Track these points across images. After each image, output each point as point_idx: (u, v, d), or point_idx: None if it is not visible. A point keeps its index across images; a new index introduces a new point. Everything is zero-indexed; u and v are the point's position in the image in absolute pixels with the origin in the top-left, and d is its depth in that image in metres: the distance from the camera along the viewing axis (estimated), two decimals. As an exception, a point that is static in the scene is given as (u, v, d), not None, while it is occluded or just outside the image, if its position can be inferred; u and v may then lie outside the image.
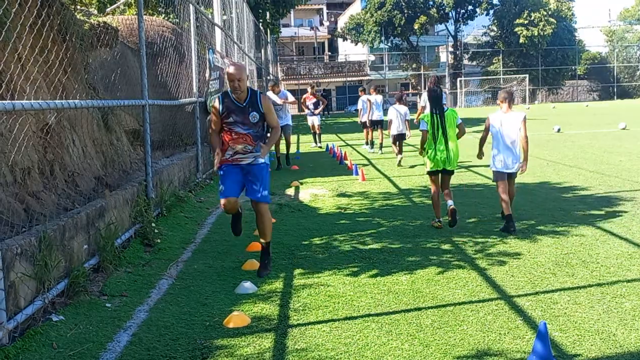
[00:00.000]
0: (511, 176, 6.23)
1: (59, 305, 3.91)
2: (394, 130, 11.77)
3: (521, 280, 4.39)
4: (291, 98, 11.99)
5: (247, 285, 4.39)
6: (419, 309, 3.90)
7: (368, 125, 14.56)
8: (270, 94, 11.73)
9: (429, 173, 6.34)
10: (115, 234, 4.94)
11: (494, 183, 6.34)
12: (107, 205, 5.03)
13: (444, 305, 3.93)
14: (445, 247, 5.41)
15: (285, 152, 12.47)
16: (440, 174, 6.27)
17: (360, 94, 15.00)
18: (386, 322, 3.69)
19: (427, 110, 6.61)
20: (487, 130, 6.39)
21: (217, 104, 4.72)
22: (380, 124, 14.38)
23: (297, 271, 4.84)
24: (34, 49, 5.44)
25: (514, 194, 6.35)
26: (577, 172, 9.77)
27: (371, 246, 5.52)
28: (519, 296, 4.07)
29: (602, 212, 6.59)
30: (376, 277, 4.60)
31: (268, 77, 31.02)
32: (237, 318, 3.74)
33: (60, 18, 6.14)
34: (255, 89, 6.01)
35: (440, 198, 6.31)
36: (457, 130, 6.35)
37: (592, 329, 3.47)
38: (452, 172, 6.31)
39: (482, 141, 6.54)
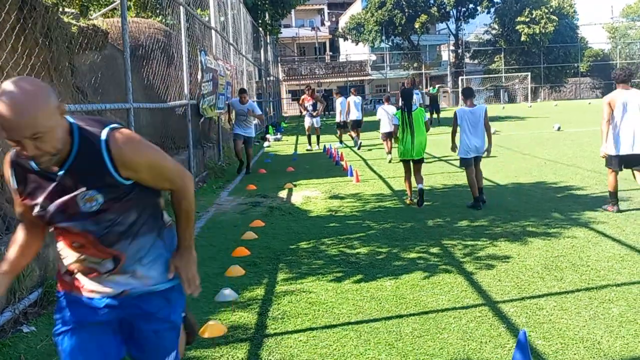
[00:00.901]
0: (476, 160, 7.18)
1: (31, 316, 3.83)
2: (383, 128, 12.40)
3: (508, 285, 4.28)
4: (258, 112, 11.24)
5: (227, 293, 4.29)
6: (401, 316, 3.79)
7: (349, 125, 15.62)
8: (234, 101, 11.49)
9: (401, 161, 7.53)
10: (95, 241, 4.85)
11: (462, 168, 7.45)
12: (88, 211, 4.94)
13: (426, 312, 3.83)
14: (434, 250, 5.30)
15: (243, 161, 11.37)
16: (411, 162, 7.40)
17: (335, 96, 16.10)
18: (365, 330, 3.59)
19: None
20: (455, 123, 7.28)
21: (7, 172, 1.89)
22: (359, 124, 15.41)
23: (280, 277, 4.74)
24: (15, 52, 5.37)
25: (481, 176, 7.27)
26: (575, 171, 9.64)
27: (358, 250, 5.42)
28: (504, 302, 3.96)
29: (597, 213, 6.47)
30: (360, 282, 4.50)
31: (268, 78, 30.96)
32: (213, 328, 3.65)
33: (44, 21, 6.06)
34: (96, 130, 1.83)
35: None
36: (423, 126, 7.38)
37: (576, 336, 3.36)
38: (421, 161, 7.43)
39: (454, 134, 7.37)
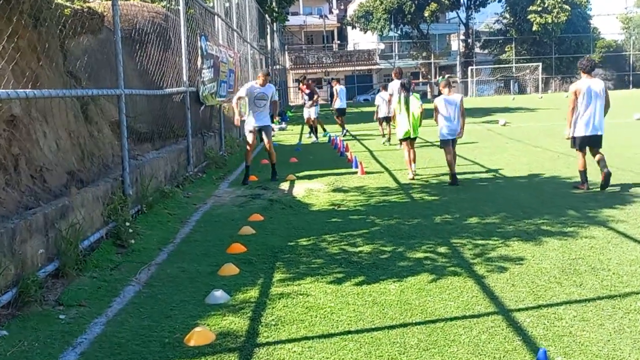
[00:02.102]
0: (453, 142, 8.02)
1: (4, 318, 3.53)
2: (381, 113, 14.09)
3: (522, 291, 3.93)
4: (276, 97, 9.43)
5: (218, 295, 3.97)
6: (405, 325, 3.46)
7: (333, 113, 16.61)
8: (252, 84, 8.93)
9: (401, 140, 8.66)
10: (80, 236, 4.55)
11: (441, 148, 8.25)
12: (72, 204, 4.64)
13: (433, 321, 3.50)
14: (441, 249, 4.96)
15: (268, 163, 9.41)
16: (408, 140, 8.52)
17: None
18: (366, 340, 3.27)
19: (395, 96, 9.45)
20: (437, 111, 8.04)
21: None
22: (343, 112, 16.17)
23: (276, 277, 4.42)
24: (-1, 35, 5.04)
25: (455, 155, 8.15)
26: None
27: (361, 248, 5.08)
28: (519, 310, 3.62)
29: (615, 211, 6.10)
30: (362, 285, 4.16)
31: (274, 67, 30.50)
32: (199, 335, 3.33)
33: (32, 1, 5.72)
34: None
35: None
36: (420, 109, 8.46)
37: (601, 353, 3.01)
38: (415, 139, 8.60)
39: (436, 120, 8.13)
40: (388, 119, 13.65)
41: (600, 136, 7.24)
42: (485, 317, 3.53)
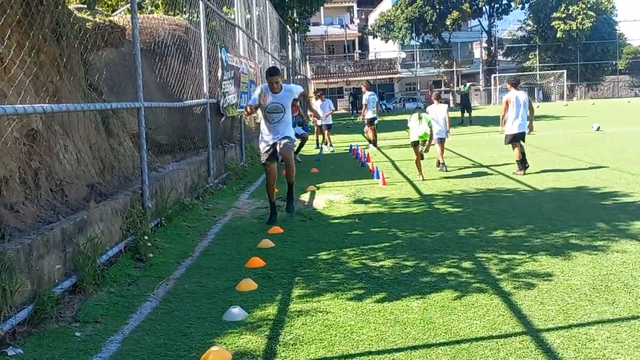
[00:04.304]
0: (441, 140, 10.22)
1: (20, 336, 3.49)
2: (368, 114, 14.88)
3: (552, 309, 3.76)
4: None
5: (236, 312, 3.88)
6: (429, 345, 3.32)
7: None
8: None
9: (412, 142, 9.72)
10: (98, 250, 4.51)
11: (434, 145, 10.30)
12: (91, 217, 4.61)
13: (458, 342, 3.35)
14: (466, 264, 4.80)
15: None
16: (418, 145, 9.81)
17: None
18: (388, 362, 3.14)
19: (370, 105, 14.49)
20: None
21: None
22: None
23: (295, 293, 4.32)
24: (21, 49, 5.08)
25: (443, 149, 10.42)
26: (619, 175, 8.96)
27: (382, 263, 4.95)
28: (548, 330, 3.45)
29: (648, 223, 5.86)
30: (383, 302, 4.04)
31: (296, 77, 30.57)
32: (216, 355, 3.24)
33: (52, 16, 5.76)
34: None
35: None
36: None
37: (638, 378, 2.84)
38: (419, 142, 9.90)
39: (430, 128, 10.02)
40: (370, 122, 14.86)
41: (524, 132, 9.67)
42: (512, 337, 3.37)
